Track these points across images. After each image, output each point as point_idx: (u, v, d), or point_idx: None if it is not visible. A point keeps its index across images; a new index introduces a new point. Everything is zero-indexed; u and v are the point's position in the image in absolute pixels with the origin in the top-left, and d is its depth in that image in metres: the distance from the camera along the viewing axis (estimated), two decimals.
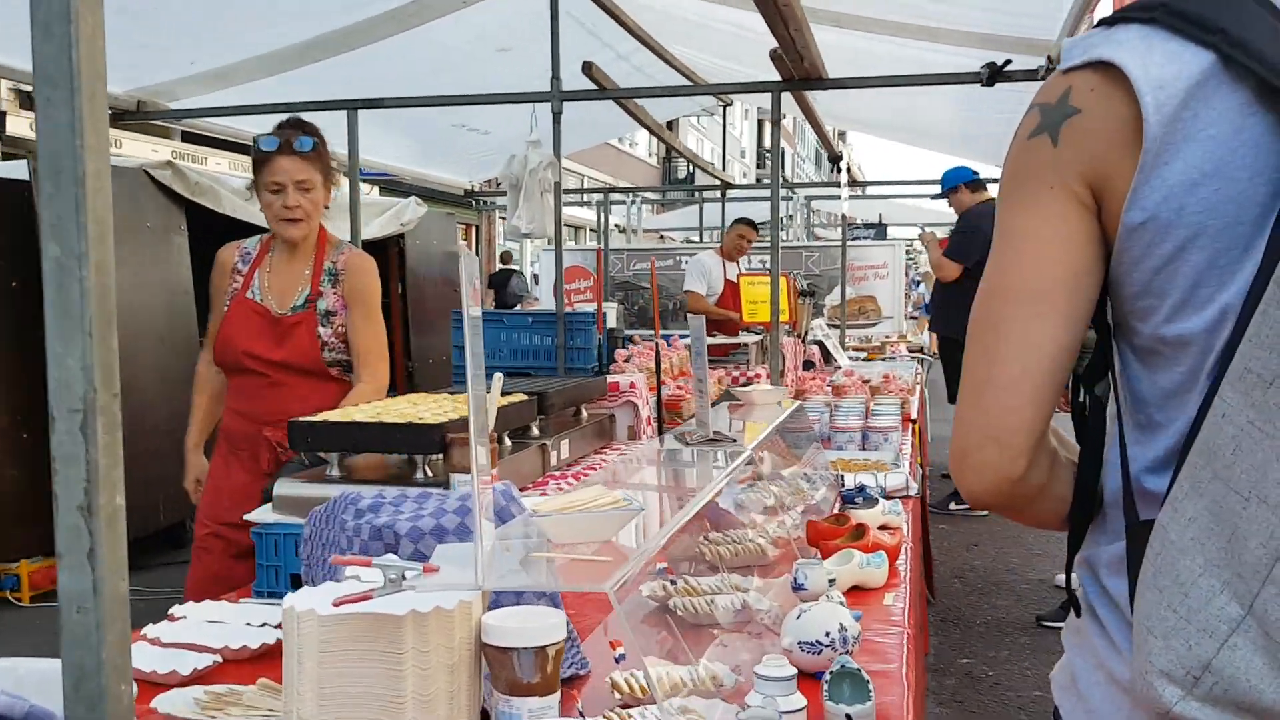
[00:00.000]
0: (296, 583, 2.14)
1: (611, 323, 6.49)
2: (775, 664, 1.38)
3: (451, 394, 2.77)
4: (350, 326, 2.83)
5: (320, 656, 1.33)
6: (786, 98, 5.75)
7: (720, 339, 6.21)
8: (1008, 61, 4.76)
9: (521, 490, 2.34)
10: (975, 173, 7.12)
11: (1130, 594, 0.95)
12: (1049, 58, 4.94)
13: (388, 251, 8.44)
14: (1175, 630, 0.88)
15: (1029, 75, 4.81)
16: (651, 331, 10.85)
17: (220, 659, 1.74)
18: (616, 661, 1.68)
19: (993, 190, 7.22)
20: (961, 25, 5.34)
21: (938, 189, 8.17)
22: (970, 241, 6.59)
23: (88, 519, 0.93)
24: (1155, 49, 0.93)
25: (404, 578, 1.30)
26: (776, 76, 4.92)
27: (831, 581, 2.02)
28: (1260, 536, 0.84)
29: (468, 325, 1.22)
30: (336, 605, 1.30)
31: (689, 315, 2.91)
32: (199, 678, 1.67)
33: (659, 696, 1.30)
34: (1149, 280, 0.96)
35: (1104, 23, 0.99)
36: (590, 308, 8.17)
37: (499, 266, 16.80)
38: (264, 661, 1.80)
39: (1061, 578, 5.47)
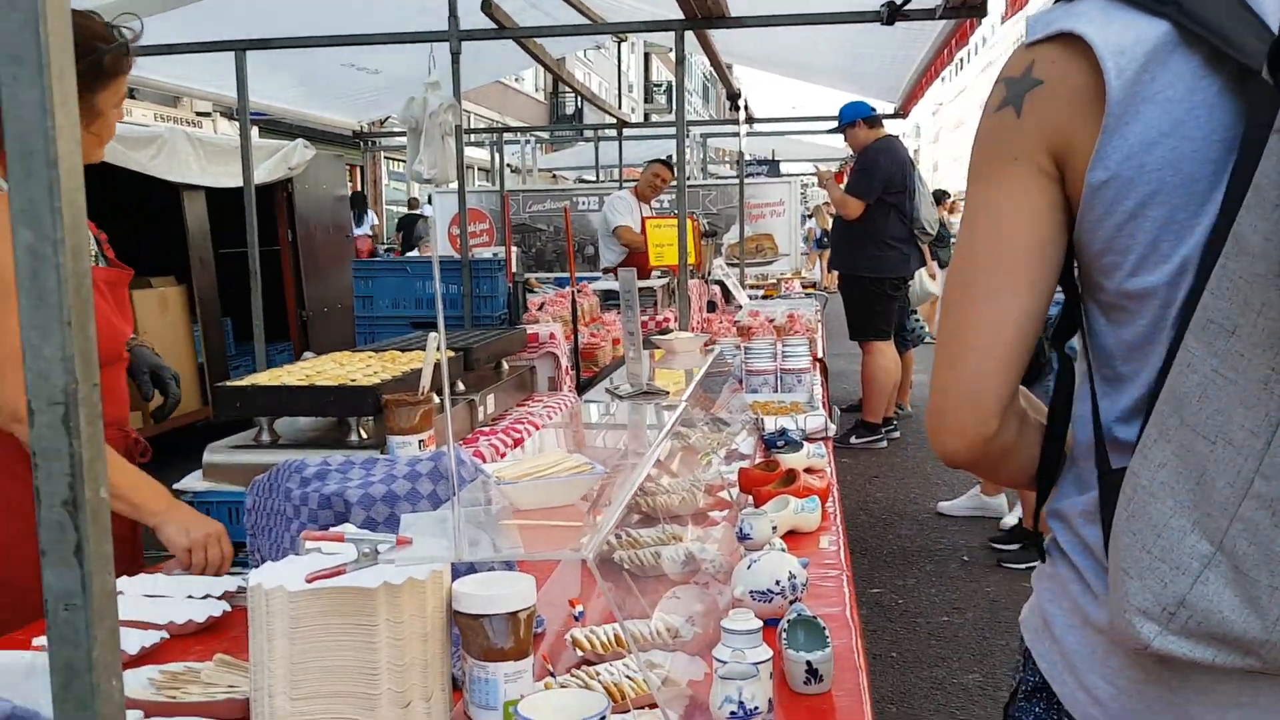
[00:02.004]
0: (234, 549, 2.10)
1: (514, 268, 6.43)
2: (741, 617, 1.42)
3: (376, 351, 2.72)
4: None
5: (291, 632, 1.32)
6: (688, 35, 5.72)
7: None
8: (907, 0, 4.81)
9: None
10: (872, 109, 7.21)
11: (1105, 541, 1.00)
12: None
13: (275, 196, 8.17)
14: (1150, 570, 0.94)
15: (927, 14, 4.87)
16: (550, 274, 10.79)
17: (167, 634, 1.70)
18: (576, 619, 1.70)
19: (889, 126, 7.33)
20: None
21: (831, 124, 8.27)
22: (871, 178, 6.70)
23: (73, 514, 0.90)
24: (1114, 19, 0.99)
25: (378, 552, 1.28)
26: (677, 14, 4.88)
27: (773, 530, 2.06)
28: (1227, 476, 0.90)
29: (438, 295, 1.20)
30: (310, 581, 1.28)
31: (619, 270, 2.89)
32: (147, 656, 1.63)
33: (634, 650, 1.32)
34: (1112, 237, 1.01)
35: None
36: (488, 253, 8.08)
37: (405, 211, 16.50)
38: (210, 634, 1.77)
39: (944, 505, 5.72)
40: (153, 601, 1.83)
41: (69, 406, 0.88)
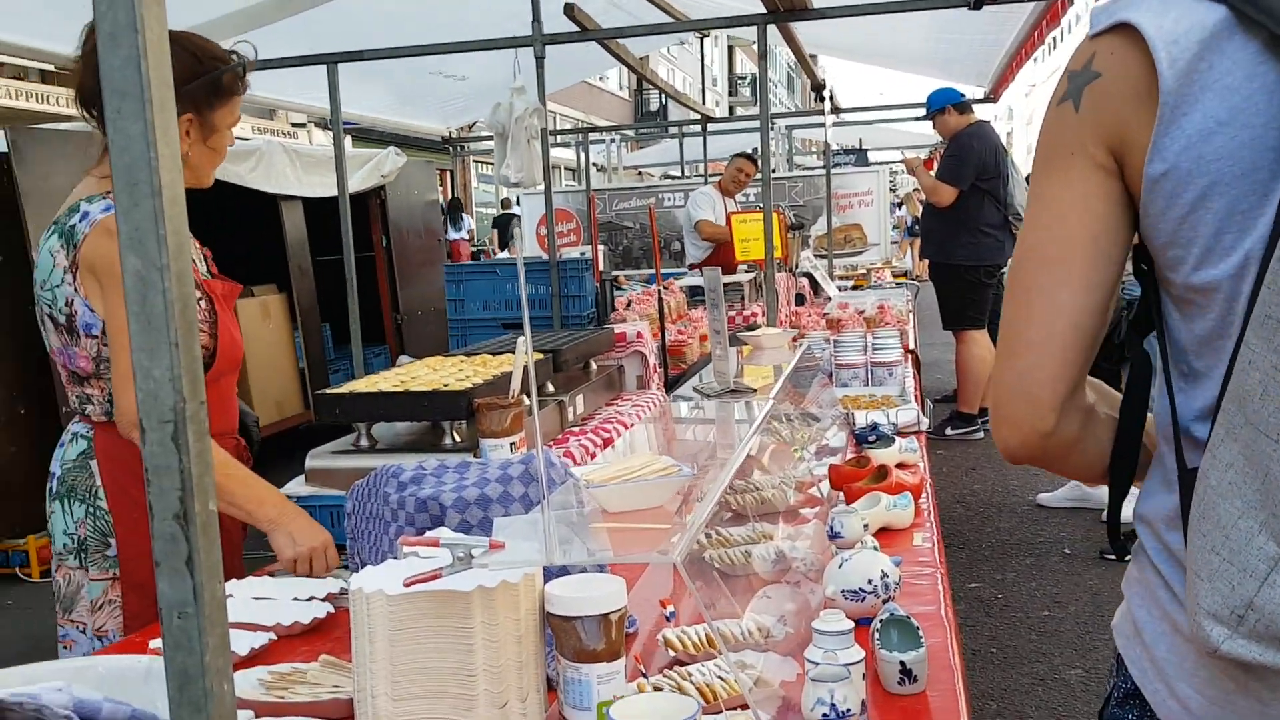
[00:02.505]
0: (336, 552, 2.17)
1: (601, 266, 6.48)
2: (833, 618, 1.42)
3: (467, 356, 2.77)
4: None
5: (391, 635, 1.36)
6: (770, 28, 5.69)
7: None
8: None
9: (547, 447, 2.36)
10: (961, 94, 7.08)
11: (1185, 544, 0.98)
12: None
13: (369, 204, 8.36)
14: (1219, 572, 0.92)
15: None
16: (637, 271, 10.83)
17: (275, 636, 1.76)
18: (668, 619, 1.72)
19: (979, 111, 7.19)
20: None
21: (919, 112, 8.14)
22: (963, 164, 6.58)
23: (184, 527, 0.94)
24: (1171, 7, 0.97)
25: (472, 556, 1.32)
26: (759, 8, 4.86)
27: (865, 527, 2.05)
28: None
29: (524, 299, 1.22)
30: (408, 585, 1.32)
31: (704, 269, 2.90)
32: (257, 657, 1.70)
33: (724, 651, 1.33)
34: (1175, 230, 0.99)
35: None
36: (576, 252, 8.15)
37: (498, 212, 16.89)
38: (315, 635, 1.82)
39: (1044, 496, 5.58)
40: (261, 604, 1.90)
41: (178, 424, 0.92)
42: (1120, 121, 1.00)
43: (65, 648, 2.07)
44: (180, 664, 0.96)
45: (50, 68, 13.02)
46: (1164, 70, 0.95)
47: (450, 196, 18.15)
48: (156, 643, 1.73)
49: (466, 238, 16.90)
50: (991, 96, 9.39)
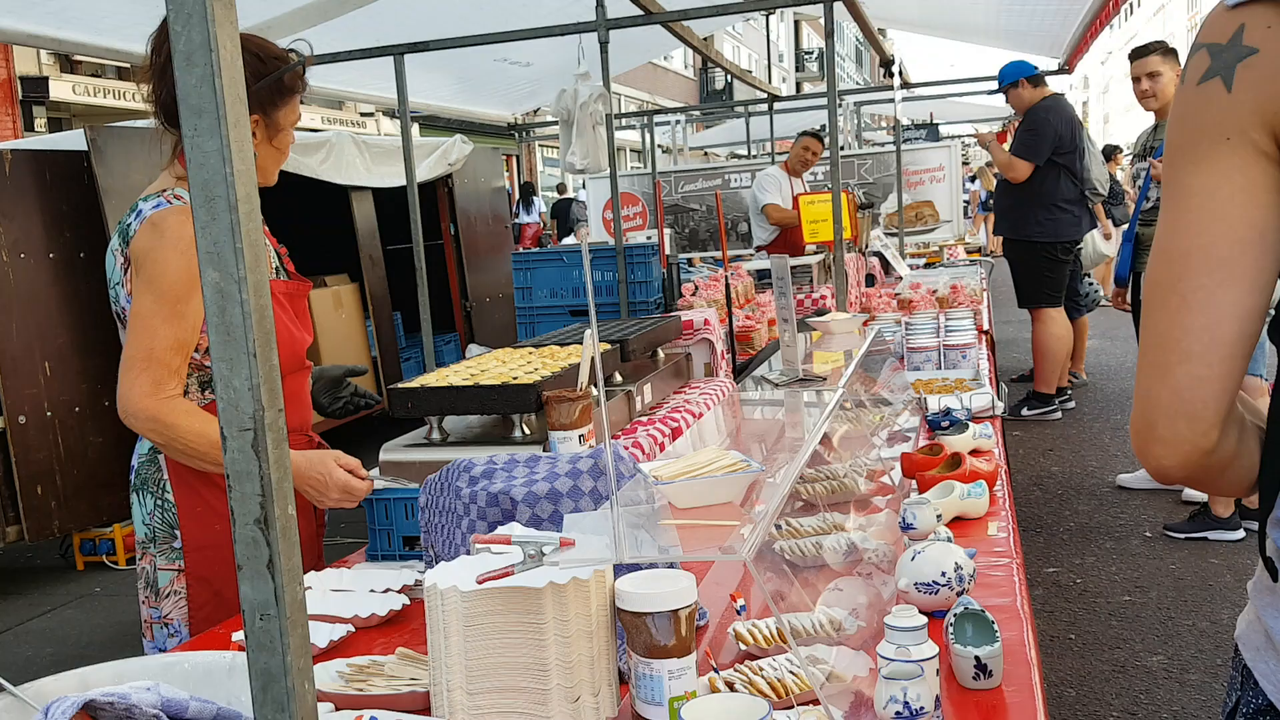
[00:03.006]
0: (407, 544, 2.21)
1: (667, 250, 6.47)
2: (905, 614, 1.41)
3: (535, 347, 2.79)
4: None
5: (465, 630, 1.38)
6: (837, 4, 5.61)
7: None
8: None
9: (613, 438, 2.37)
10: (1034, 67, 6.92)
11: None
12: None
13: (437, 192, 8.45)
14: None
15: None
16: (704, 253, 10.78)
17: (353, 628, 1.80)
18: (738, 613, 1.72)
19: (1053, 83, 7.03)
20: None
21: (991, 85, 7.97)
22: (1039, 139, 6.44)
23: (265, 531, 0.96)
24: None
25: (543, 553, 1.33)
26: None
27: (938, 518, 2.03)
28: None
29: (589, 292, 1.22)
30: (481, 582, 1.34)
31: (771, 256, 2.88)
32: (335, 649, 1.74)
33: (794, 646, 1.33)
34: None
35: None
36: (641, 237, 8.15)
37: (556, 197, 17.07)
38: (391, 627, 1.86)
39: (1124, 477, 5.46)
40: (339, 596, 1.94)
41: (257, 432, 0.95)
42: None
43: (147, 633, 2.13)
44: (263, 664, 0.99)
45: (127, 65, 13.40)
46: None
47: (522, 181, 18.39)
48: (239, 635, 1.78)
49: (538, 221, 17.07)
50: (1066, 67, 9.16)
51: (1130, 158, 6.40)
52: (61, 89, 13.73)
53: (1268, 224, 0.94)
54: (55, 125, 13.48)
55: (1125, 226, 6.03)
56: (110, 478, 5.61)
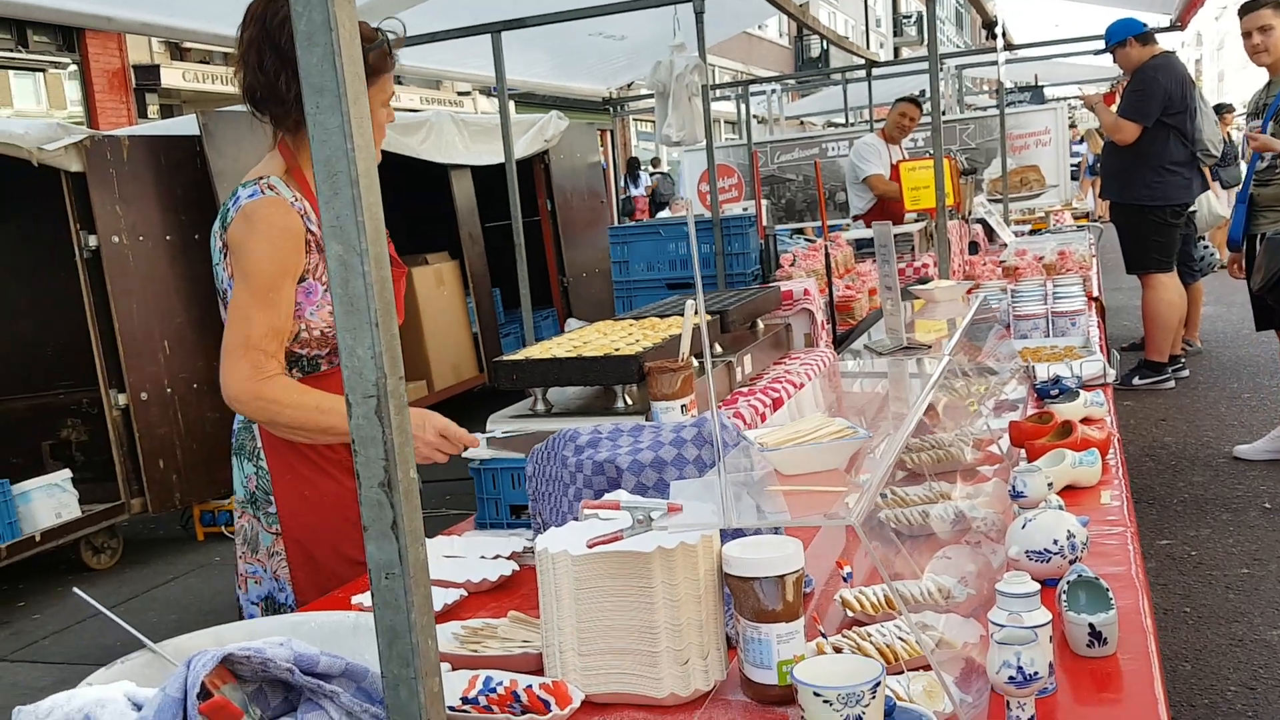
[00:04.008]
0: (515, 513, 2.26)
1: (764, 222, 6.42)
2: (1017, 580, 1.39)
3: (635, 319, 2.81)
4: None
5: (576, 593, 1.41)
6: None
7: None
8: None
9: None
10: (1143, 24, 6.66)
11: None
12: None
13: (533, 168, 8.52)
14: None
15: None
16: (801, 225, 10.66)
17: (465, 593, 1.85)
18: (845, 580, 1.72)
19: (1164, 41, 6.76)
20: None
21: (1098, 45, 7.70)
22: (1147, 99, 6.20)
23: (389, 494, 1.00)
24: None
25: (651, 519, 1.35)
26: None
27: (1049, 486, 1.99)
28: None
29: (695, 261, 1.23)
30: (591, 546, 1.36)
31: (874, 224, 2.84)
32: (450, 613, 1.79)
33: (905, 612, 1.33)
34: None
35: None
36: (739, 208, 8.10)
37: (651, 170, 17.37)
38: (502, 592, 1.91)
39: (1241, 448, 5.23)
40: (451, 562, 2.00)
41: (380, 399, 0.98)
42: None
43: (242, 586, 2.25)
44: (389, 622, 1.03)
45: (234, 52, 13.77)
46: None
47: (629, 156, 18.55)
48: (357, 598, 1.84)
49: (645, 194, 17.22)
50: (1178, 24, 8.79)
51: (1244, 116, 6.12)
52: (172, 76, 14.20)
53: None
54: (166, 112, 13.95)
55: (1238, 188, 5.78)
56: (226, 452, 5.78)
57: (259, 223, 2.02)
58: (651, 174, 16.82)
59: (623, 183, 16.91)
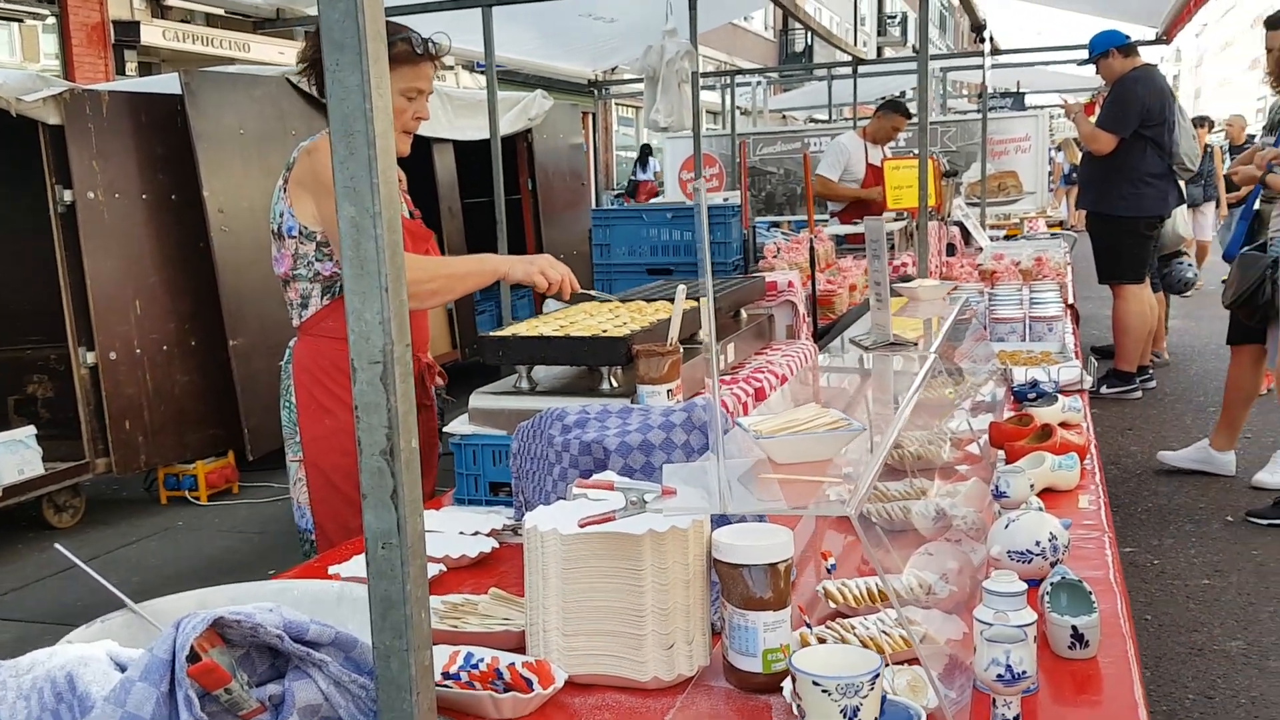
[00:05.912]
0: (494, 490, 2.24)
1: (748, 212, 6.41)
2: (1005, 579, 1.40)
3: (623, 301, 2.80)
4: None
5: (563, 572, 1.40)
6: None
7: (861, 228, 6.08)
8: None
9: (695, 395, 2.37)
10: (1126, 36, 6.70)
11: None
12: None
13: (516, 146, 8.46)
14: None
15: None
16: (780, 218, 10.65)
17: (444, 568, 1.84)
18: (828, 572, 1.72)
19: (1145, 54, 6.79)
20: None
21: (1081, 54, 7.74)
22: (1126, 110, 6.24)
23: (390, 462, 0.99)
24: None
25: (645, 500, 1.34)
26: None
27: (1030, 487, 2.01)
28: None
29: (705, 247, 1.22)
30: (582, 526, 1.35)
31: (866, 219, 2.84)
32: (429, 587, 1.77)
33: (896, 604, 1.33)
34: None
35: None
36: (719, 198, 8.09)
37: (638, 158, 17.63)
38: (480, 569, 1.89)
39: (1260, 476, 5.18)
40: (429, 537, 1.97)
41: (386, 365, 0.97)
42: None
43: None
44: (383, 591, 1.01)
45: (218, 12, 13.56)
46: None
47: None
48: (335, 568, 1.82)
49: (653, 179, 17.26)
50: (1164, 38, 8.86)
51: (1261, 131, 6.09)
52: (152, 34, 13.96)
53: None
54: (145, 70, 13.72)
55: (1241, 206, 5.76)
56: (195, 415, 5.76)
57: (324, 150, 2.27)
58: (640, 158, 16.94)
59: (633, 168, 17.67)
